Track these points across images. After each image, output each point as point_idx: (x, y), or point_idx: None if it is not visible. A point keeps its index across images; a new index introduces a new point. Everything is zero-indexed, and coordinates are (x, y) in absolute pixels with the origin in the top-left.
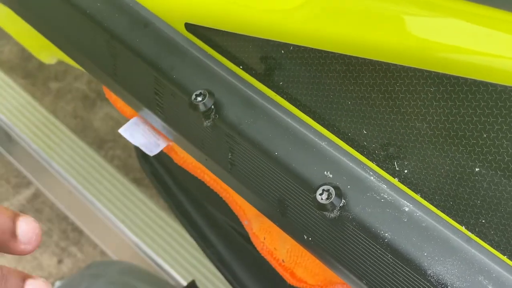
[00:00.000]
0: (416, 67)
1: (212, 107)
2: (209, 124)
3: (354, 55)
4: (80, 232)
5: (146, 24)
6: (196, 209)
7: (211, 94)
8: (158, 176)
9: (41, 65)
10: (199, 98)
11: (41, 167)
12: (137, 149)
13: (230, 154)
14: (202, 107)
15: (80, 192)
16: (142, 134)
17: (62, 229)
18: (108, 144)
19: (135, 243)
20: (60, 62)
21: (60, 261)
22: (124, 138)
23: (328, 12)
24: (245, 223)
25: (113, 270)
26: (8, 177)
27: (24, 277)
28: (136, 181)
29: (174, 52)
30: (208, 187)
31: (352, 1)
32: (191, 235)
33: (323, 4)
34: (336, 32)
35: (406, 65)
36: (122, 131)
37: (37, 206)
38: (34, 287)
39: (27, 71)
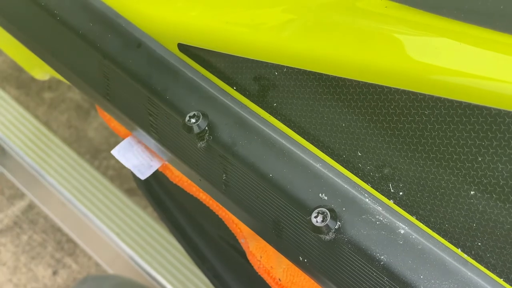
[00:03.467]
0: (411, 90)
1: (206, 128)
2: (203, 145)
3: (348, 77)
4: (75, 243)
5: (139, 44)
6: (191, 225)
7: (205, 115)
8: (153, 192)
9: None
10: (193, 120)
11: (34, 179)
12: None
13: (224, 175)
14: (196, 129)
15: (73, 204)
16: (135, 155)
17: (57, 240)
18: (102, 154)
19: (129, 255)
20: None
21: (55, 273)
22: None
23: (321, 35)
24: (241, 241)
25: (108, 285)
26: (2, 189)
27: None
28: (131, 192)
29: (167, 72)
30: (204, 204)
31: (346, 24)
32: (186, 251)
33: (317, 27)
34: (330, 54)
35: (401, 88)
36: (114, 152)
37: (32, 218)
38: None
39: (21, 81)
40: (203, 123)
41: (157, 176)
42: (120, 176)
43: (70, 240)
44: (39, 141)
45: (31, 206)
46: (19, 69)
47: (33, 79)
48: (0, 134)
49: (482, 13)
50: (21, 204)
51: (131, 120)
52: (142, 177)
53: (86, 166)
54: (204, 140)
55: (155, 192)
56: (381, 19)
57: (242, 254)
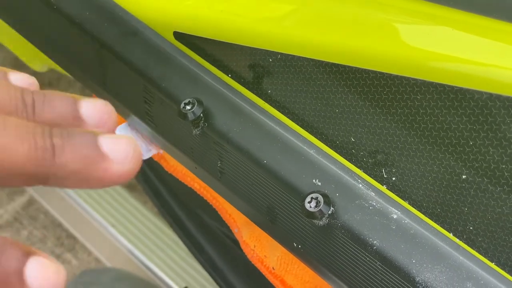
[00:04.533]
0: (404, 75)
1: (201, 115)
2: (198, 132)
3: (341, 63)
4: (74, 238)
5: (135, 33)
6: (188, 216)
7: (200, 102)
8: (150, 183)
9: (34, 72)
10: (188, 107)
11: None
12: None
13: (219, 162)
14: (191, 116)
15: (73, 200)
16: (134, 137)
17: (57, 236)
18: None
19: (128, 249)
20: (53, 69)
21: None
22: None
23: (315, 20)
24: (235, 231)
25: (106, 278)
26: None
27: (27, 253)
28: (130, 187)
29: (163, 60)
30: (199, 195)
31: (340, 9)
32: (184, 242)
33: (310, 12)
34: (324, 40)
35: (394, 73)
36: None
37: (32, 213)
38: (38, 269)
39: None
40: (198, 110)
41: (155, 168)
42: None
43: (70, 236)
44: None
45: (31, 202)
46: (20, 66)
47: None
48: None
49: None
50: (21, 200)
51: (127, 108)
52: (143, 157)
53: None
54: (199, 127)
55: (153, 185)
56: (374, 5)
57: (238, 245)
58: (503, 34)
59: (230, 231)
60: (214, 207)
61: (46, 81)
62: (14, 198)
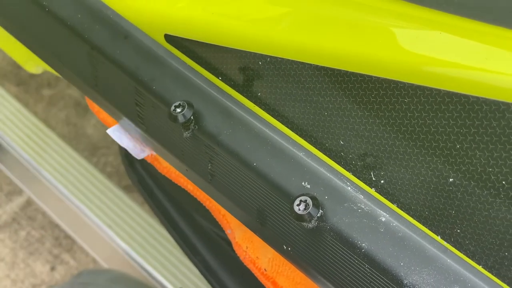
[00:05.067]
0: (393, 78)
1: (192, 118)
2: (188, 135)
3: (331, 66)
4: (72, 239)
5: (126, 35)
6: (182, 217)
7: (190, 105)
8: (144, 184)
9: (32, 74)
10: (178, 110)
11: (32, 176)
12: (124, 157)
13: (209, 164)
14: (181, 118)
15: (71, 201)
16: (129, 138)
17: (55, 236)
18: (100, 151)
19: (125, 251)
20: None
21: (52, 268)
22: (117, 145)
23: (305, 24)
24: (228, 232)
25: (103, 279)
26: (0, 185)
27: None
28: (129, 188)
29: (154, 63)
30: (193, 196)
31: (331, 13)
32: (178, 243)
33: (301, 16)
34: (314, 44)
35: (383, 76)
36: (110, 131)
37: (30, 214)
38: None
39: (20, 78)
40: (188, 113)
41: (149, 169)
42: (118, 173)
43: (67, 236)
44: (38, 138)
45: (29, 203)
46: (18, 66)
47: (32, 76)
48: None
49: (469, 5)
50: (19, 200)
51: (119, 110)
52: (138, 157)
53: (84, 163)
54: (189, 129)
55: (148, 186)
56: (366, 9)
57: (232, 246)
58: (492, 38)
59: (224, 231)
60: (207, 208)
61: (45, 82)
62: (12, 198)
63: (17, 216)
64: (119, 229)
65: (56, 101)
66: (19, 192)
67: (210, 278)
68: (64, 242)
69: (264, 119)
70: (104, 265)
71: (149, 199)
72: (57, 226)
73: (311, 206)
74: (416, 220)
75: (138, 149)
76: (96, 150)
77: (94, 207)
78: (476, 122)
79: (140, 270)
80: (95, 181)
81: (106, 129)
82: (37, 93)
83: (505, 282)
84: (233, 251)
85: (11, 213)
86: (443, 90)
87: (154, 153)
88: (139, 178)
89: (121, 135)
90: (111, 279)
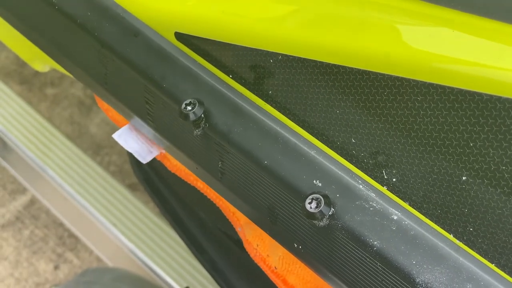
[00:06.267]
0: (405, 76)
1: (202, 116)
2: (199, 133)
3: (342, 64)
4: (76, 238)
5: (136, 33)
6: (189, 216)
7: (201, 103)
8: (151, 182)
9: (37, 71)
10: (189, 107)
11: (36, 174)
12: (130, 155)
13: (220, 162)
14: (192, 116)
15: (75, 199)
16: (135, 140)
17: (59, 235)
18: (104, 150)
19: (130, 249)
20: (55, 69)
21: (56, 267)
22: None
23: (316, 22)
24: (238, 229)
25: (107, 277)
26: (4, 183)
27: None
28: (132, 187)
29: (164, 61)
30: (201, 194)
31: (340, 11)
32: (185, 242)
33: (311, 14)
34: (324, 42)
35: (394, 74)
36: (116, 136)
37: (34, 213)
38: None
39: (24, 77)
40: (199, 111)
41: (156, 168)
42: (122, 171)
43: (71, 235)
44: (42, 137)
45: (33, 201)
46: (22, 65)
47: (35, 75)
48: (3, 129)
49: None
50: (23, 199)
51: (129, 109)
52: (144, 161)
53: (88, 161)
54: (200, 127)
55: (154, 185)
56: (375, 7)
57: (240, 245)
58: (503, 35)
59: (232, 230)
60: (217, 206)
61: (49, 80)
62: (16, 197)
63: (20, 215)
64: (123, 227)
65: (60, 100)
66: (23, 191)
67: (217, 277)
68: (68, 241)
69: (275, 117)
70: (109, 263)
71: (155, 197)
72: (61, 225)
73: (322, 204)
74: (429, 219)
75: (145, 151)
76: (99, 149)
77: (98, 205)
78: (490, 120)
79: (145, 269)
80: (99, 179)
81: (110, 128)
82: (41, 92)
83: None
84: (240, 249)
85: (14, 212)
86: (456, 88)
87: (163, 151)
88: (146, 177)
89: (127, 139)
90: (115, 277)
